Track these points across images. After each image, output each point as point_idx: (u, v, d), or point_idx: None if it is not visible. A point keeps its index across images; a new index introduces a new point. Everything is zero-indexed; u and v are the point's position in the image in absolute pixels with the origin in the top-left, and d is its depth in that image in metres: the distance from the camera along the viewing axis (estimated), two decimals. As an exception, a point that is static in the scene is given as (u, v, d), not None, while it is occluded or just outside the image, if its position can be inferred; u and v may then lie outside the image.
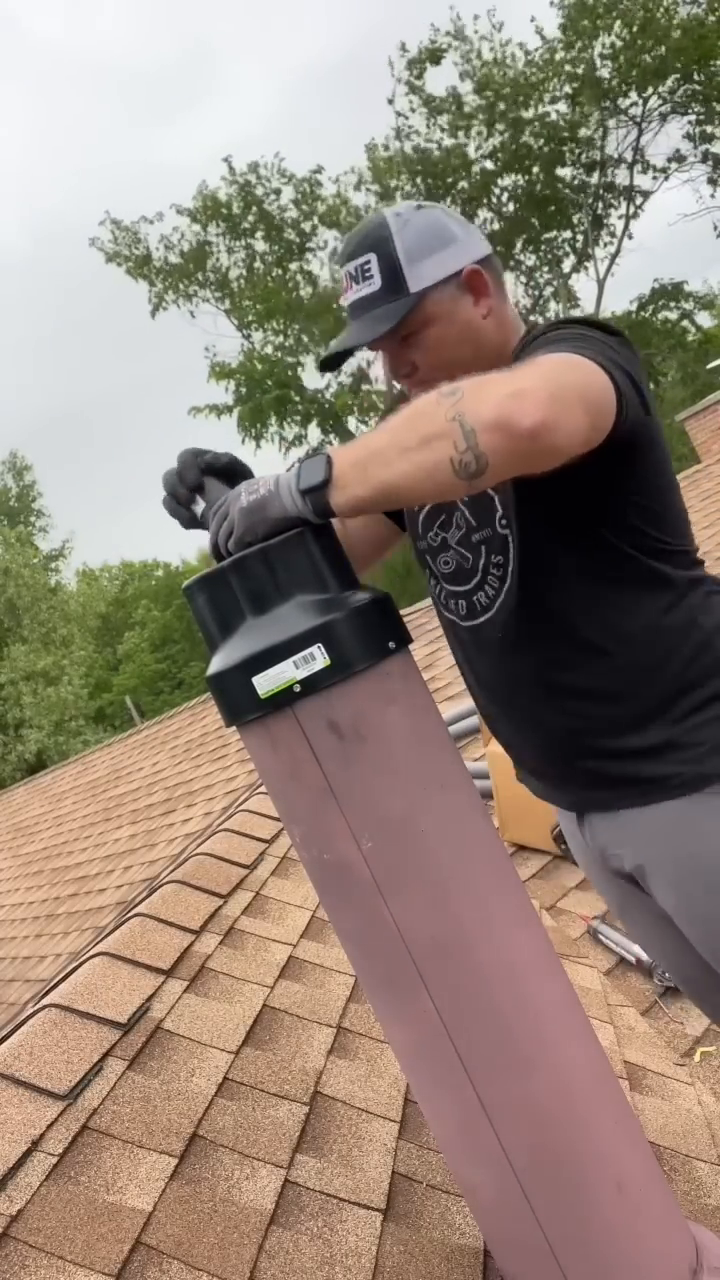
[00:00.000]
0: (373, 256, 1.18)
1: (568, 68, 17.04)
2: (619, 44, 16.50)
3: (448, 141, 17.63)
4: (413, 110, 17.67)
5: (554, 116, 17.51)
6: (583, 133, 17.51)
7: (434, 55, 17.03)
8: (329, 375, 19.12)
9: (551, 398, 0.87)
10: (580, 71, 16.89)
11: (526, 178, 17.93)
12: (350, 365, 18.84)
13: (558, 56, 17.04)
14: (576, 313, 19.24)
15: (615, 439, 1.02)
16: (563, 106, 17.51)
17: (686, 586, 1.21)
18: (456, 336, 1.20)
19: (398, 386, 1.33)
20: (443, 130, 17.64)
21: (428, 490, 0.93)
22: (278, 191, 18.57)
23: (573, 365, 0.96)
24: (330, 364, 1.32)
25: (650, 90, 17.04)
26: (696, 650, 1.19)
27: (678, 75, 16.52)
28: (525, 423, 0.85)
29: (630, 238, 18.89)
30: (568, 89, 17.20)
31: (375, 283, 1.18)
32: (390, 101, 17.71)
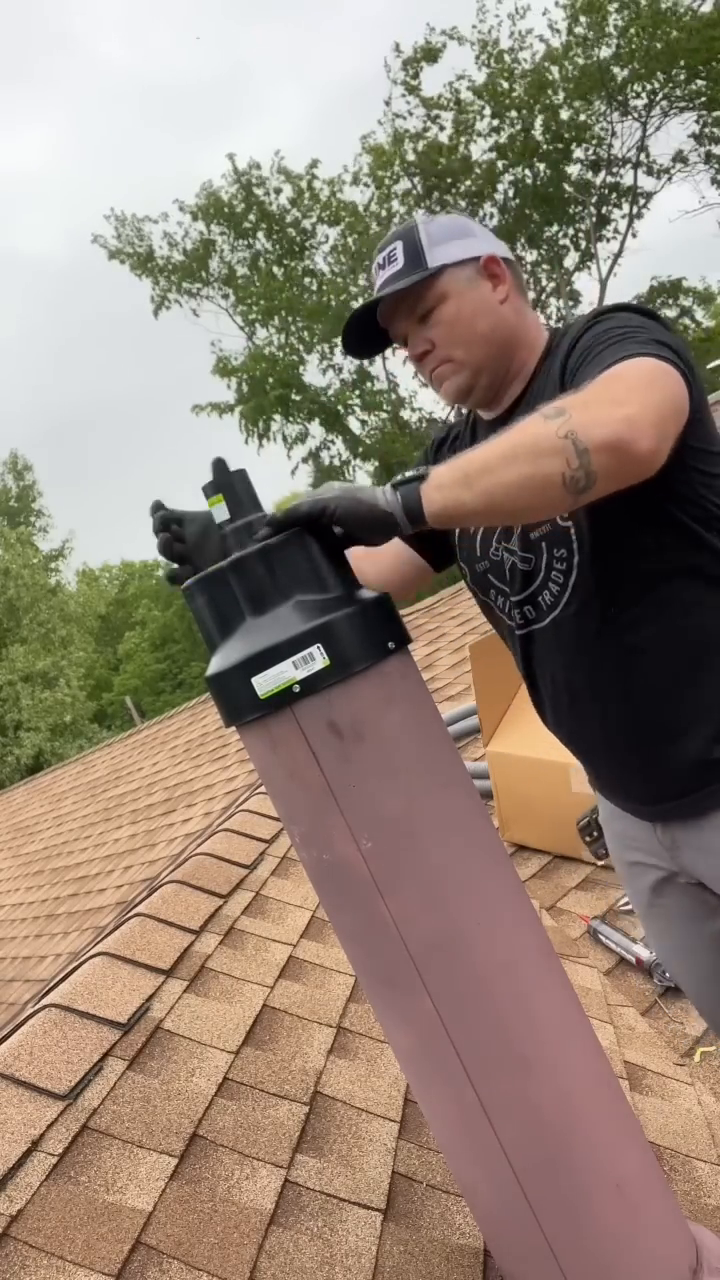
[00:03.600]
0: (399, 244, 1.27)
1: (578, 60, 16.98)
2: (626, 29, 16.43)
3: (446, 140, 17.60)
4: (410, 113, 17.65)
5: (565, 114, 17.48)
6: (589, 124, 17.46)
7: (430, 54, 16.99)
8: (330, 374, 19.17)
9: (657, 424, 0.95)
10: (586, 66, 16.85)
11: (532, 172, 17.90)
12: (351, 365, 18.90)
13: (570, 51, 16.98)
14: (576, 312, 19.32)
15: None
16: (567, 113, 17.49)
17: None
18: (471, 314, 1.25)
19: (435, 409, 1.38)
20: (442, 129, 17.62)
21: (530, 502, 0.97)
22: (278, 190, 18.60)
23: (660, 379, 1.01)
24: (357, 349, 1.36)
25: (655, 82, 16.98)
26: None
27: (682, 68, 16.46)
28: (642, 448, 0.93)
29: (634, 235, 18.89)
30: (572, 91, 17.17)
31: (399, 263, 1.26)
32: (387, 104, 17.70)
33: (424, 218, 1.29)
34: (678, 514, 1.17)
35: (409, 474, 1.01)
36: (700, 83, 16.83)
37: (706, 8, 16.12)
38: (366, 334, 1.33)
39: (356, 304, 17.91)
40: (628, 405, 0.95)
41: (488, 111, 17.42)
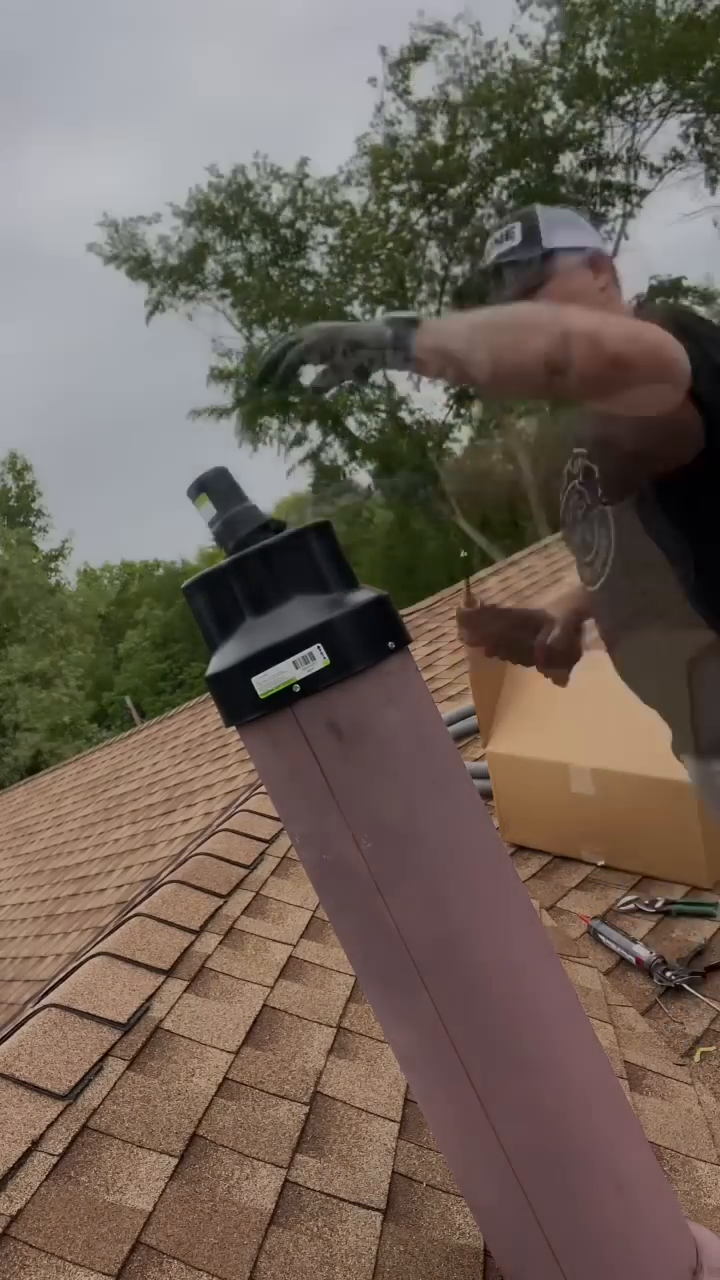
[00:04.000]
0: (518, 224, 1.38)
1: (557, 70, 17.01)
2: (613, 37, 16.46)
3: (442, 141, 17.60)
4: (401, 120, 17.65)
5: (549, 120, 17.51)
6: (580, 125, 17.48)
7: (419, 52, 16.96)
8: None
9: (629, 338, 1.03)
10: (573, 71, 16.86)
11: (524, 173, 17.92)
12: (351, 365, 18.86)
13: (549, 61, 17.00)
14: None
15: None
16: (556, 112, 17.52)
17: None
18: (575, 293, 1.32)
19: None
20: (432, 135, 17.62)
21: (507, 373, 1.03)
22: (266, 188, 18.58)
23: (649, 326, 1.07)
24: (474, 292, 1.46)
25: (646, 85, 17.00)
26: None
27: (678, 67, 16.47)
28: (610, 347, 1.01)
29: (626, 238, 18.90)
30: (557, 97, 17.19)
31: (515, 239, 1.37)
32: (379, 109, 17.71)
33: (541, 207, 1.40)
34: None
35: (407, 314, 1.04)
36: (694, 83, 16.84)
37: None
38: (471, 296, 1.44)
39: (354, 307, 17.94)
40: (609, 317, 1.06)
41: (474, 120, 17.44)
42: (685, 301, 19.44)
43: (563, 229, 1.38)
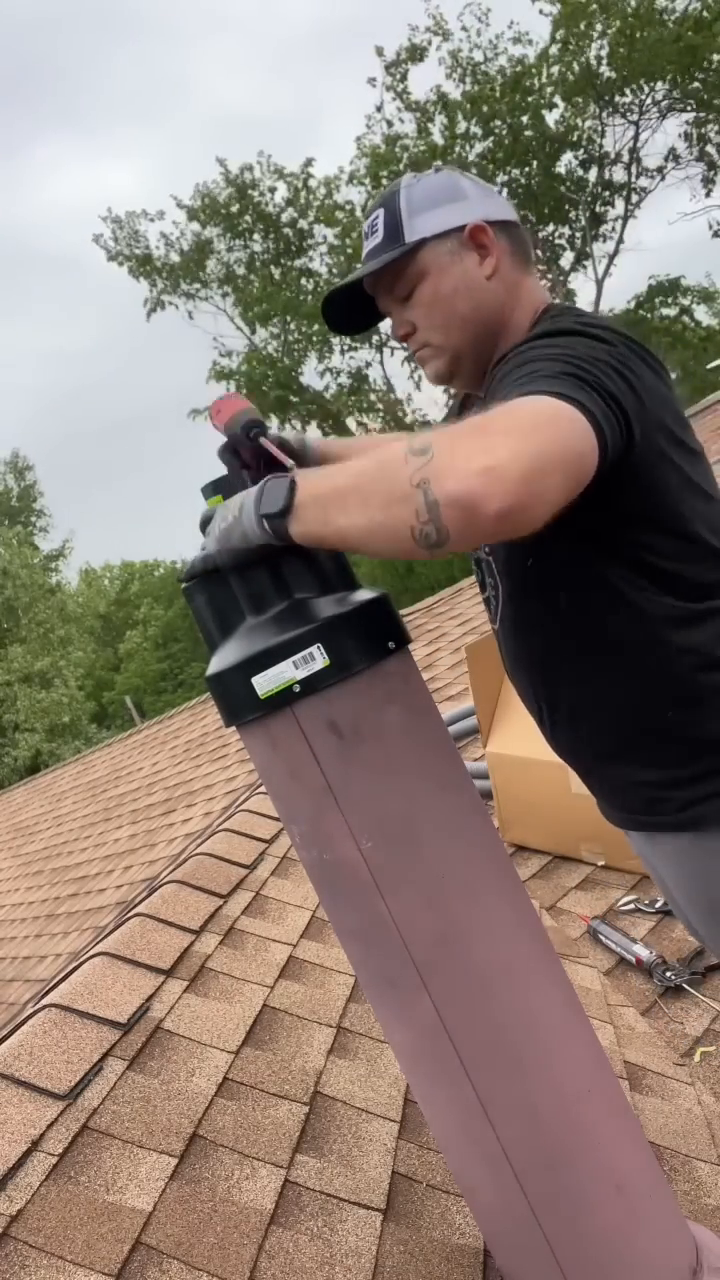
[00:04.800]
0: (381, 211, 1.18)
1: (558, 68, 17.03)
2: (615, 36, 16.47)
3: (440, 142, 17.62)
4: (400, 119, 17.69)
5: (550, 120, 17.53)
6: (580, 123, 17.49)
7: (416, 52, 16.96)
8: (329, 377, 19.17)
9: (524, 478, 0.79)
10: (575, 71, 16.88)
11: (525, 171, 17.92)
12: (350, 366, 18.91)
13: (550, 60, 17.03)
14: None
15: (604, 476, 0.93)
16: (557, 114, 17.55)
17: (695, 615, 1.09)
18: (451, 292, 1.15)
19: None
20: (430, 134, 17.64)
21: (384, 549, 0.88)
22: (272, 189, 18.61)
23: (551, 424, 0.84)
24: (339, 326, 1.28)
25: (646, 86, 17.02)
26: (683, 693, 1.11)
27: (675, 68, 16.48)
28: (491, 507, 0.78)
29: (622, 242, 18.93)
30: (558, 96, 17.20)
31: (379, 235, 1.17)
32: (378, 109, 17.72)
33: (409, 180, 1.18)
34: (609, 575, 1.08)
35: (277, 477, 0.95)
36: (694, 84, 16.84)
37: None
38: (357, 306, 1.24)
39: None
40: (495, 453, 0.79)
41: (473, 121, 17.46)
42: (685, 301, 19.44)
43: (429, 211, 1.14)
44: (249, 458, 1.18)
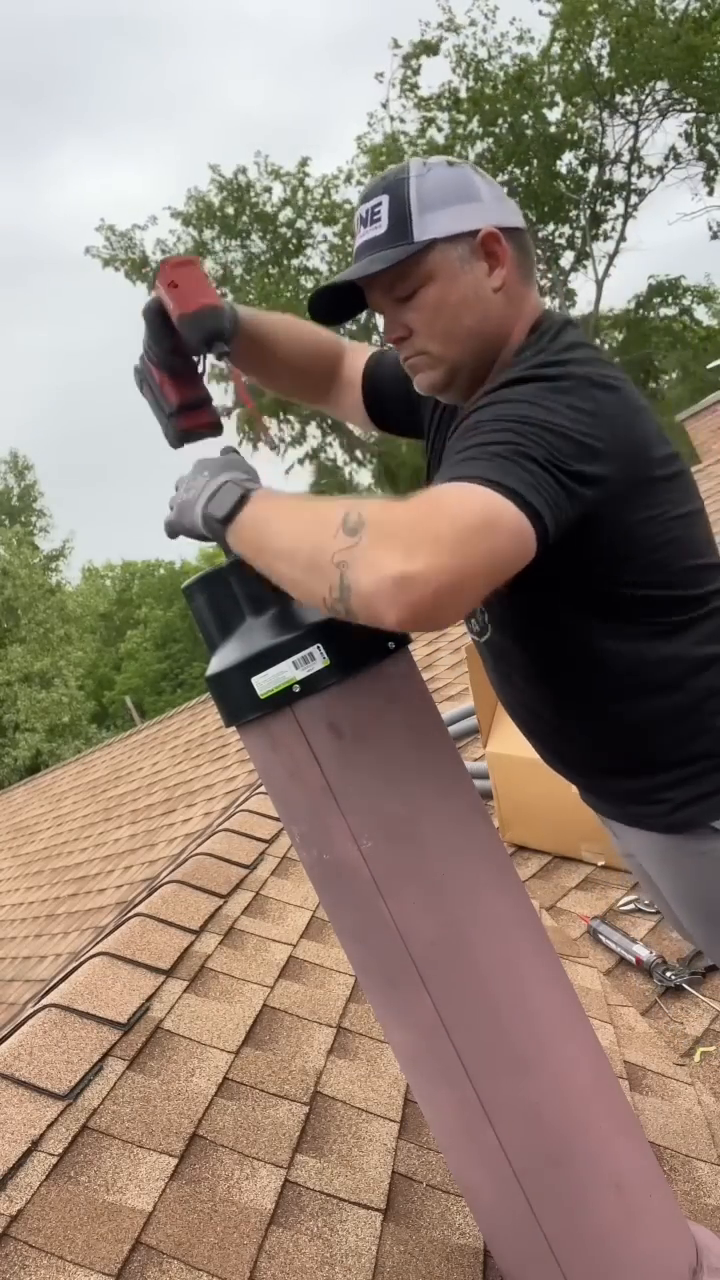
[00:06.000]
0: (385, 199, 1.06)
1: (559, 67, 17.05)
2: (615, 36, 16.48)
3: (443, 140, 17.63)
4: (405, 117, 17.70)
5: (551, 119, 17.54)
6: (580, 123, 17.50)
7: (429, 47, 16.97)
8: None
9: (436, 593, 0.78)
10: (574, 71, 16.90)
11: (525, 170, 17.92)
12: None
13: (551, 59, 17.05)
14: (574, 313, 19.30)
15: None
16: (557, 113, 17.56)
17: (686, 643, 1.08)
18: (458, 302, 1.06)
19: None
20: (439, 130, 17.64)
21: (302, 600, 0.92)
22: (268, 189, 18.62)
23: (487, 532, 0.82)
24: (325, 314, 1.19)
25: (646, 85, 17.03)
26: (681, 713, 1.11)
27: (676, 68, 16.47)
28: (393, 615, 0.79)
29: (624, 240, 18.94)
30: (559, 96, 17.22)
31: (382, 226, 1.06)
32: (384, 105, 17.73)
33: (418, 168, 1.06)
34: (583, 602, 1.05)
35: (236, 481, 0.97)
36: (694, 83, 16.85)
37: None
38: (342, 294, 1.14)
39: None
40: (415, 561, 0.78)
41: (476, 120, 17.47)
42: (685, 301, 19.43)
43: (442, 209, 1.04)
44: (178, 365, 1.16)
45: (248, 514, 0.94)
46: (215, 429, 1.19)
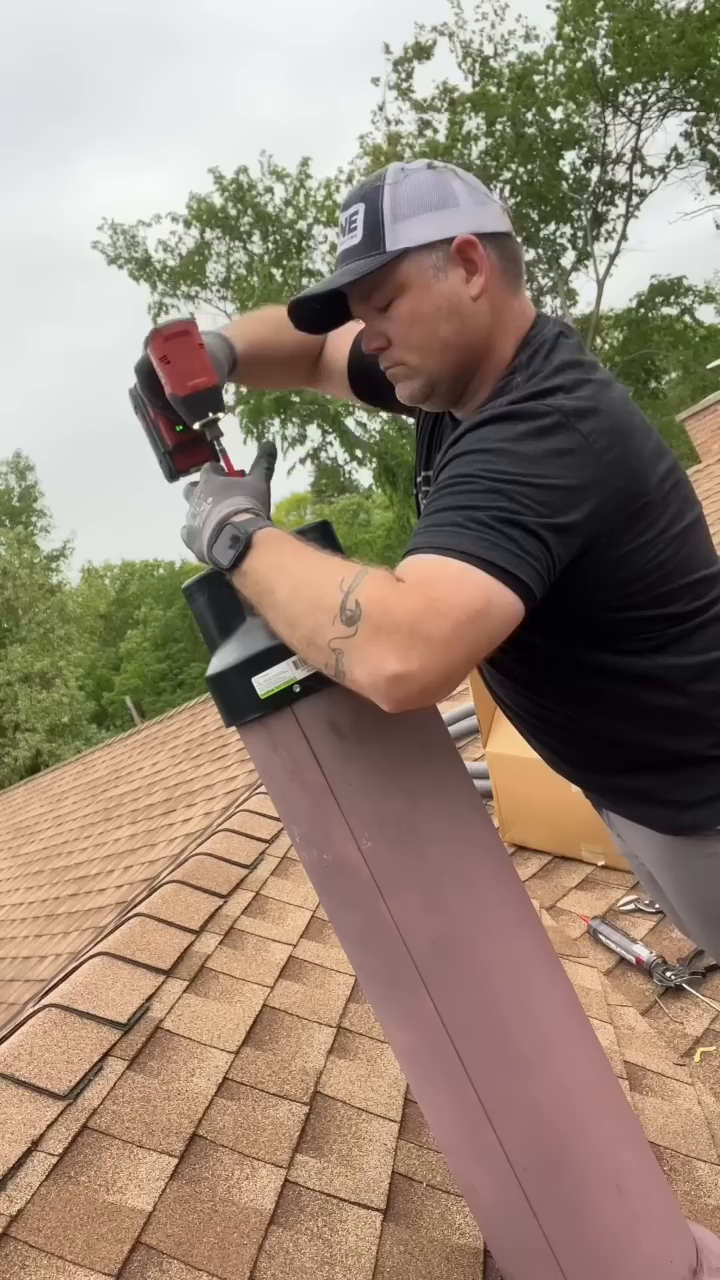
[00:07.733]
0: (361, 207, 1.05)
1: (564, 65, 17.05)
2: (618, 32, 16.48)
3: (442, 140, 17.63)
4: (401, 120, 17.69)
5: (555, 117, 17.54)
6: (581, 122, 17.51)
7: (422, 51, 16.97)
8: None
9: (429, 685, 0.83)
10: (577, 70, 16.91)
11: (528, 169, 17.93)
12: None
13: (555, 55, 17.06)
14: (575, 313, 19.28)
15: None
16: (560, 112, 17.54)
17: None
18: (433, 312, 1.04)
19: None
20: (435, 131, 17.65)
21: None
22: (269, 190, 18.63)
23: (480, 620, 0.84)
24: (309, 325, 1.17)
25: (649, 83, 17.02)
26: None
27: (678, 67, 16.46)
28: (387, 705, 0.85)
29: (626, 239, 18.94)
30: (563, 94, 17.22)
31: (357, 235, 1.04)
32: (380, 109, 17.74)
33: (395, 174, 1.04)
34: (582, 627, 1.06)
35: (244, 520, 0.98)
36: (697, 82, 16.86)
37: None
38: (328, 303, 1.13)
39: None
40: (410, 661, 0.81)
41: (479, 117, 17.48)
42: (685, 301, 19.41)
43: (414, 217, 1.02)
44: (179, 441, 1.16)
45: (250, 567, 0.96)
46: (213, 459, 1.17)
